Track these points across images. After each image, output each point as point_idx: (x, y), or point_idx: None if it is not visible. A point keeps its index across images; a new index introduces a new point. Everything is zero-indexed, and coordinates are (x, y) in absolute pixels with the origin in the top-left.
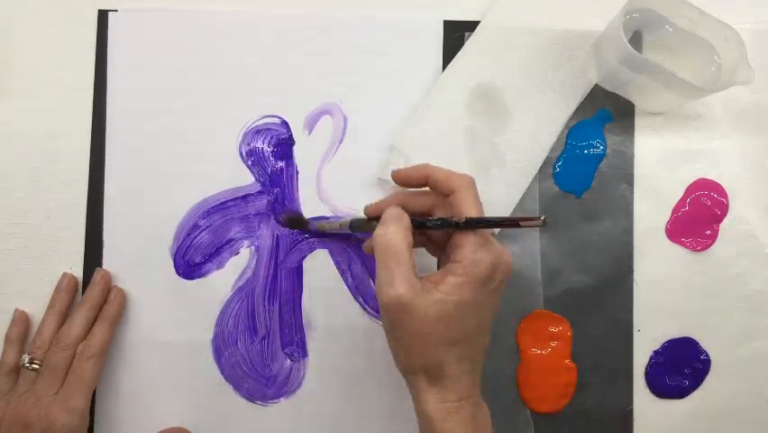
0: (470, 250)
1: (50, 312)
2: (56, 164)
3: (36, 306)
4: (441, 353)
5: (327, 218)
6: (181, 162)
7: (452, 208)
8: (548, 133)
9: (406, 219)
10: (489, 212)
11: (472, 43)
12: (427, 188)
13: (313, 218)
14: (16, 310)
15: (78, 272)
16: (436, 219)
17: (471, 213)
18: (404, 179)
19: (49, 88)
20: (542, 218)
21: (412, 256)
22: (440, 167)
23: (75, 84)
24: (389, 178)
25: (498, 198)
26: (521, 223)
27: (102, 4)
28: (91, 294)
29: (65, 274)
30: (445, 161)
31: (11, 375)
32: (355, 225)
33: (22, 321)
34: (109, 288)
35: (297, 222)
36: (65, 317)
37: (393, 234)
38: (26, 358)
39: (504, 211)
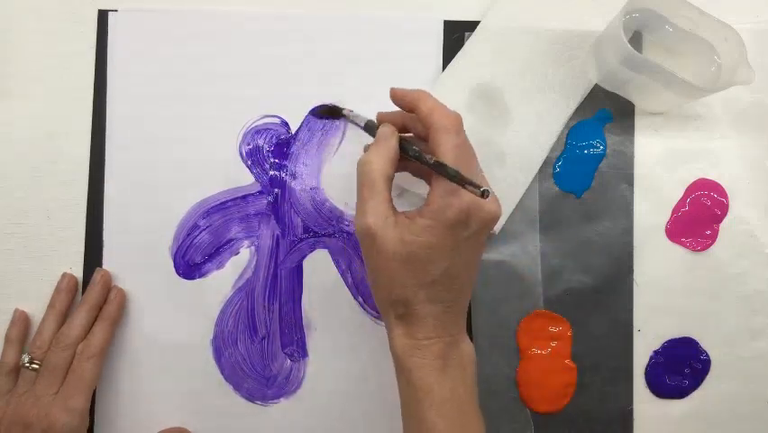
0: (438, 194)
1: (49, 312)
2: (56, 164)
3: (36, 306)
4: (408, 291)
5: (353, 112)
6: (181, 162)
7: (430, 145)
8: (548, 133)
9: (393, 145)
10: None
11: (472, 43)
12: None
13: (345, 109)
14: (16, 310)
15: (78, 272)
16: (416, 149)
17: (444, 157)
18: (398, 100)
19: (49, 88)
20: (482, 190)
21: (389, 185)
22: (432, 98)
23: (75, 84)
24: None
25: (499, 196)
26: (466, 186)
27: (102, 4)
28: (91, 294)
29: (65, 274)
30: None
31: (11, 375)
32: (369, 127)
33: (21, 321)
34: (109, 288)
35: (331, 111)
36: (65, 317)
37: (372, 164)
38: (26, 358)
39: (504, 210)
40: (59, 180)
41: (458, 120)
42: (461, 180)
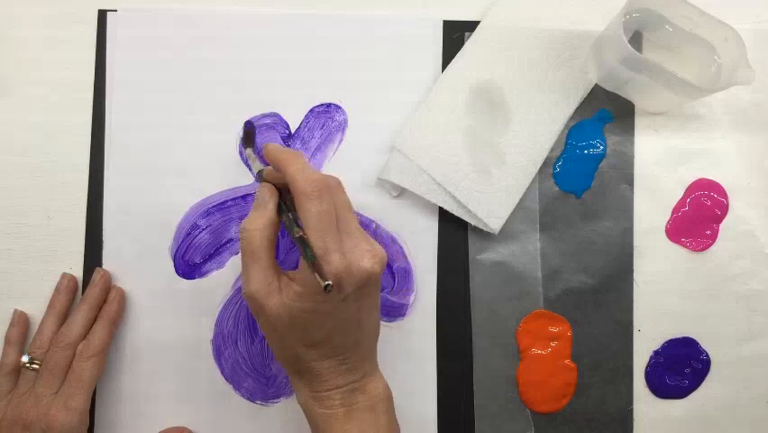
0: (304, 264)
1: (49, 312)
2: (56, 164)
3: (36, 306)
4: (298, 351)
5: (264, 163)
6: (181, 162)
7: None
8: (548, 133)
9: (271, 208)
10: (489, 212)
11: (472, 43)
12: None
13: (260, 155)
14: (15, 311)
15: (78, 272)
16: (290, 216)
17: (305, 225)
18: (270, 159)
19: (49, 88)
20: (325, 285)
21: (271, 251)
22: (299, 161)
23: (75, 84)
24: (390, 178)
25: (499, 197)
26: (314, 272)
27: (102, 4)
28: (91, 294)
29: (64, 275)
30: (446, 160)
31: (11, 376)
32: (260, 176)
33: (21, 322)
34: (109, 287)
35: (248, 137)
36: (65, 317)
37: (251, 231)
38: (26, 358)
39: (504, 211)
40: (59, 180)
41: (321, 184)
42: (312, 265)
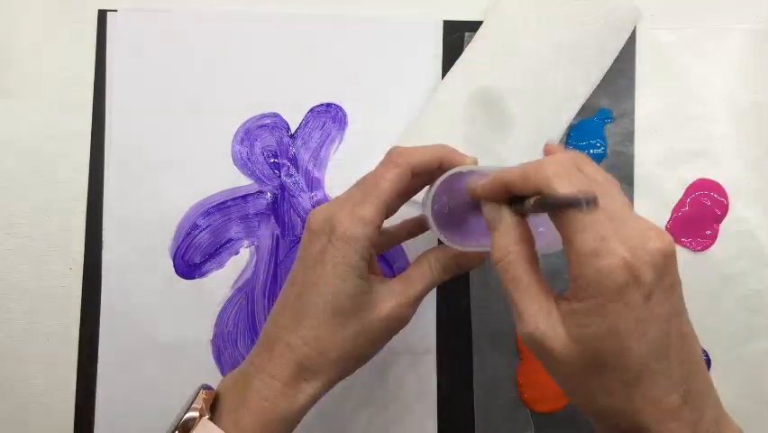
0: (581, 262)
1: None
2: (56, 164)
3: (36, 306)
4: (617, 400)
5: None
6: (181, 162)
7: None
8: (550, 138)
9: (510, 221)
10: None
11: (472, 49)
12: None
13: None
14: None
15: (78, 272)
16: (537, 199)
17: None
18: (483, 195)
19: (49, 88)
20: (587, 199)
21: (536, 272)
22: (530, 165)
23: (75, 84)
24: None
25: None
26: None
27: (102, 4)
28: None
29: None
30: None
31: None
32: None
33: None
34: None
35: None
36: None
37: (509, 254)
38: None
39: None
40: (59, 180)
41: (566, 161)
42: (565, 202)
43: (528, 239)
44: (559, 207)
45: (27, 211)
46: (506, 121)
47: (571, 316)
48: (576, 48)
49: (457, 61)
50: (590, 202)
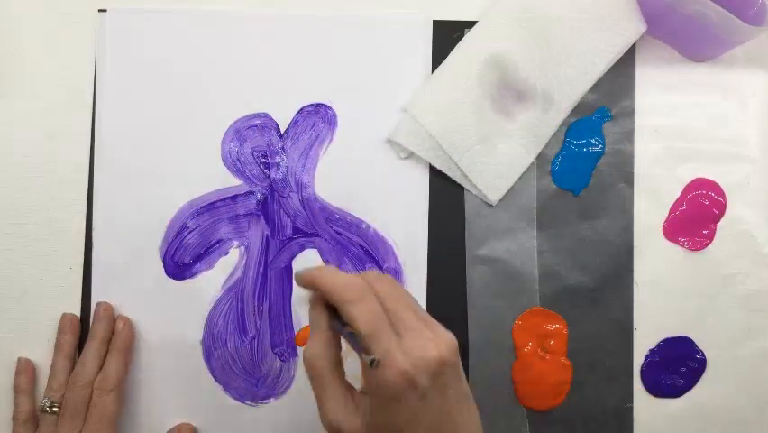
0: (371, 376)
1: (58, 354)
2: (56, 164)
3: (36, 306)
4: None
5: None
6: (171, 162)
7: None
8: (557, 112)
9: (325, 328)
10: (489, 184)
11: (491, 12)
12: None
13: None
14: (20, 360)
15: (78, 272)
16: (341, 327)
17: (360, 328)
18: (305, 284)
19: (49, 88)
20: (370, 360)
21: (339, 371)
22: (329, 273)
23: (75, 84)
24: (399, 140)
25: (500, 171)
26: (362, 356)
27: (102, 3)
28: (97, 329)
29: (65, 315)
30: (453, 129)
31: (28, 423)
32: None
33: (28, 369)
34: (114, 319)
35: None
36: (74, 356)
37: (314, 357)
38: (46, 402)
39: (504, 184)
40: (59, 180)
41: (356, 284)
42: (372, 371)
43: (337, 344)
44: (371, 366)
45: (27, 211)
46: (516, 89)
47: (364, 408)
48: (601, 17)
49: (476, 24)
50: (374, 362)
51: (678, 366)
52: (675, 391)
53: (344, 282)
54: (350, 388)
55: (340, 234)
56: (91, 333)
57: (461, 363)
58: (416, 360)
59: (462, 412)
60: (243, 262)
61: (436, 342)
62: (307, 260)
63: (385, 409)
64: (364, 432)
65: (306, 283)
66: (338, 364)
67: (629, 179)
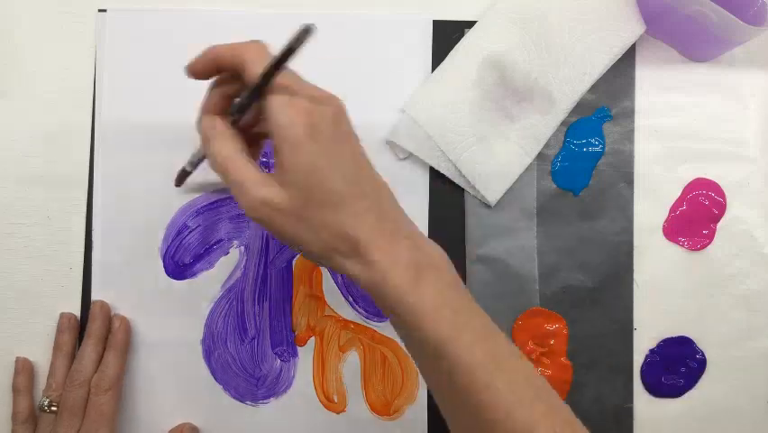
0: (277, 112)
1: (57, 354)
2: (56, 164)
3: (36, 306)
4: (333, 225)
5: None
6: (171, 162)
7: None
8: (555, 113)
9: (221, 125)
10: (487, 185)
11: (491, 13)
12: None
13: (187, 163)
14: (18, 359)
15: (78, 272)
16: (244, 95)
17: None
18: (198, 70)
19: (49, 88)
20: (305, 27)
21: (248, 157)
22: (221, 46)
23: (75, 84)
24: (398, 141)
25: (498, 171)
26: (295, 47)
27: (102, 3)
28: (94, 328)
29: (63, 314)
30: (452, 130)
31: (27, 423)
32: (197, 158)
33: (26, 369)
34: (110, 318)
35: (183, 176)
36: (73, 355)
37: (220, 152)
38: (45, 402)
39: (502, 185)
40: (59, 180)
41: (263, 44)
42: (289, 49)
43: (241, 140)
44: (279, 64)
45: (27, 211)
46: (514, 90)
47: (279, 171)
48: (599, 18)
49: (476, 24)
50: (309, 29)
51: (678, 366)
52: (675, 391)
53: (240, 43)
54: (264, 171)
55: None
56: (87, 332)
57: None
58: (316, 104)
59: (372, 168)
60: (243, 261)
61: (328, 94)
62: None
63: (299, 156)
64: (289, 194)
65: (206, 62)
66: (245, 152)
67: (629, 179)
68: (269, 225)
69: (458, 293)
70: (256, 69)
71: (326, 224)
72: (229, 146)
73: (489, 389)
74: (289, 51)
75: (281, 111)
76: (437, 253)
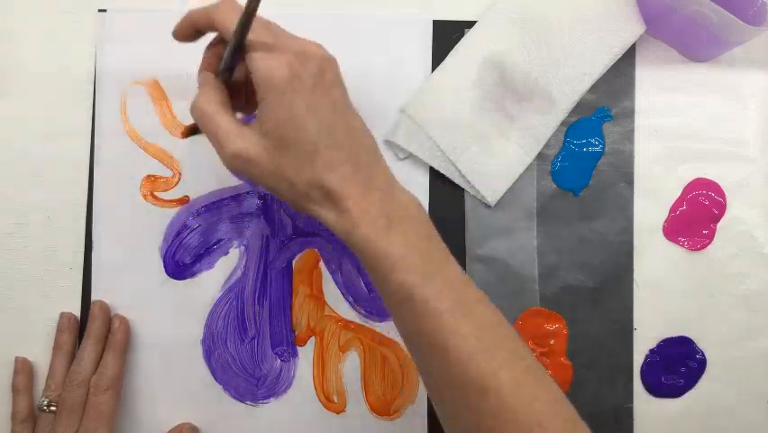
0: (258, 64)
1: (56, 353)
2: (56, 164)
3: (35, 307)
4: (306, 171)
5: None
6: (171, 162)
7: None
8: (556, 113)
9: (210, 80)
10: (487, 186)
11: (491, 13)
12: None
13: None
14: (17, 359)
15: (78, 272)
16: (224, 55)
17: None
18: (179, 34)
19: (49, 88)
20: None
21: (226, 110)
22: (201, 7)
23: (75, 84)
24: (397, 141)
25: (498, 171)
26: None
27: (102, 3)
28: (93, 328)
29: (63, 314)
30: (451, 130)
31: (26, 423)
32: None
33: (26, 368)
34: (109, 318)
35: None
36: (72, 355)
37: (201, 105)
38: (44, 401)
39: (502, 185)
40: (59, 180)
41: (231, 2)
42: (247, 14)
43: (222, 90)
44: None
45: (27, 211)
46: (514, 90)
47: (260, 121)
48: (599, 18)
49: (475, 24)
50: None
51: (678, 366)
52: (675, 391)
53: (212, 5)
54: (241, 123)
55: None
56: (87, 332)
57: (343, 82)
58: (299, 54)
59: (355, 119)
60: (243, 262)
61: (315, 44)
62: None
63: (277, 105)
64: (264, 143)
65: (187, 26)
66: (226, 106)
67: (629, 179)
68: (246, 175)
69: (429, 242)
70: (228, 26)
71: (300, 173)
72: (210, 98)
73: (456, 334)
74: (253, 1)
75: (262, 65)
76: (412, 204)
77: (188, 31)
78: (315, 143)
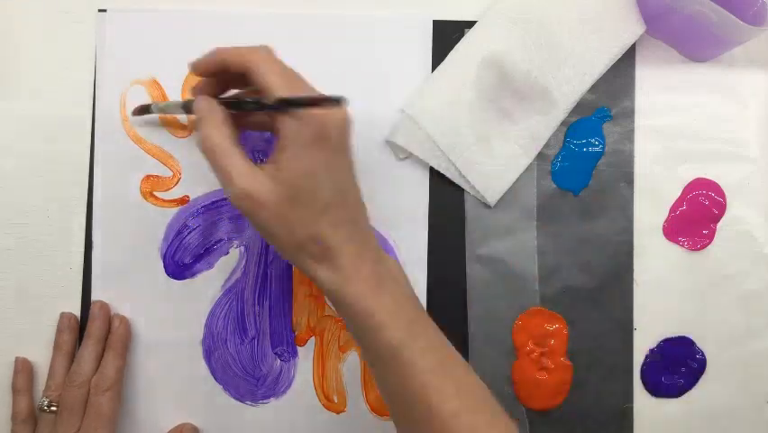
0: (287, 124)
1: (57, 354)
2: (56, 164)
3: (36, 307)
4: (310, 227)
5: (163, 103)
6: (171, 162)
7: (258, 87)
8: (556, 113)
9: (218, 111)
10: (487, 186)
11: (490, 13)
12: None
13: (155, 104)
14: (17, 359)
15: (78, 272)
16: (251, 101)
17: (276, 87)
18: (202, 69)
19: (49, 88)
20: (336, 98)
21: (237, 145)
22: (228, 48)
23: (75, 84)
24: (397, 141)
25: (498, 171)
26: (322, 104)
27: (102, 3)
28: (93, 328)
29: (63, 314)
30: (451, 130)
31: (27, 423)
32: (187, 107)
33: (26, 369)
34: (109, 318)
35: (142, 110)
36: (73, 355)
37: (210, 137)
38: (45, 401)
39: (501, 185)
40: (59, 180)
41: (269, 48)
42: (312, 102)
43: (231, 123)
44: (311, 105)
45: (27, 211)
46: (514, 90)
47: (275, 167)
48: (599, 18)
49: (475, 24)
50: (341, 100)
51: (678, 366)
52: (675, 391)
53: (246, 48)
54: (252, 162)
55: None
56: (87, 332)
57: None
58: (328, 114)
59: (357, 182)
60: (243, 262)
61: (339, 107)
62: None
63: (300, 158)
64: (277, 189)
65: (212, 63)
66: (236, 140)
67: (629, 179)
68: (249, 216)
69: (413, 305)
70: (262, 76)
71: (304, 225)
72: (220, 132)
73: (440, 393)
74: (309, 104)
75: (294, 120)
76: (396, 267)
77: (215, 68)
78: (327, 202)
